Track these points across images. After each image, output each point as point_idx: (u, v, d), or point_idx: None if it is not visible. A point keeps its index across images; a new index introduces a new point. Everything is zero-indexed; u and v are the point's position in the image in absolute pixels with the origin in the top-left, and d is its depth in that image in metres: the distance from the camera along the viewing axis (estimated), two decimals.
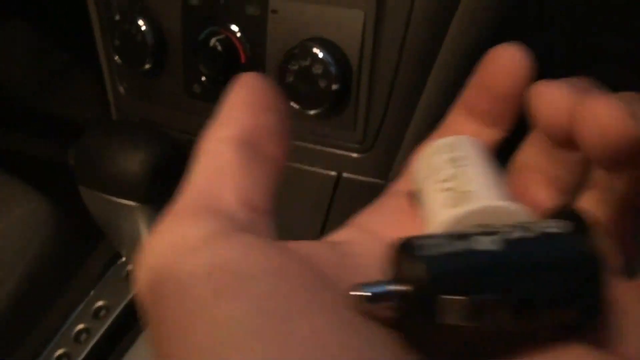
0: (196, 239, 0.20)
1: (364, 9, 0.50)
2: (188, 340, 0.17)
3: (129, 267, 0.61)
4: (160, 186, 0.52)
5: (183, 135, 0.62)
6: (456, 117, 0.29)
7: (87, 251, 0.70)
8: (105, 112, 0.68)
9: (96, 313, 0.61)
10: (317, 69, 0.50)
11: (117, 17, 0.60)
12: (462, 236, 0.19)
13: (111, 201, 0.52)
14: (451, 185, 0.23)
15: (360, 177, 0.56)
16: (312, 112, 0.53)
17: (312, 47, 0.51)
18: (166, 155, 0.51)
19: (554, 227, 0.20)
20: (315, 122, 0.55)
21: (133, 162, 0.50)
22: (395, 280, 0.20)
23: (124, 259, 0.62)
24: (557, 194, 0.24)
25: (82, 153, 0.53)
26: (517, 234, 0.19)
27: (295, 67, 0.51)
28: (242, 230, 0.20)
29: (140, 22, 0.59)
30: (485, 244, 0.19)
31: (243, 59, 0.55)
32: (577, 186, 0.23)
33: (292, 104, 0.53)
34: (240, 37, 0.55)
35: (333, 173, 0.57)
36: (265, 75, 0.25)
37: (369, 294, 0.19)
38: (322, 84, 0.51)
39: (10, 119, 1.03)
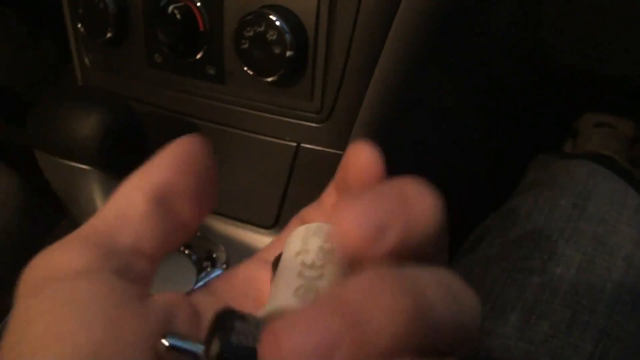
0: (66, 270, 0.21)
1: None
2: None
3: None
4: (114, 151, 0.52)
5: (145, 106, 0.62)
6: (329, 194, 0.31)
7: (51, 223, 0.70)
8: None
9: None
10: (272, 35, 0.50)
11: None
12: None
13: (65, 165, 0.52)
14: (311, 274, 0.23)
15: (318, 148, 0.56)
16: (268, 79, 0.53)
17: (267, 14, 0.50)
18: (120, 120, 0.51)
19: None
20: (273, 91, 0.55)
21: (86, 125, 0.50)
22: (201, 341, 0.21)
23: None
24: None
25: (37, 118, 0.53)
26: None
27: (251, 34, 0.51)
28: (117, 272, 0.22)
29: None
30: None
31: (201, 27, 0.55)
32: None
33: (248, 70, 0.53)
34: (199, 5, 0.55)
35: (293, 143, 0.57)
36: (202, 139, 0.26)
37: (167, 344, 0.21)
38: (277, 50, 0.51)
39: None
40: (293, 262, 0.23)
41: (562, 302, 0.45)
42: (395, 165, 0.64)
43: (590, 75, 0.92)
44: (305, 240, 0.25)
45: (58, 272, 0.21)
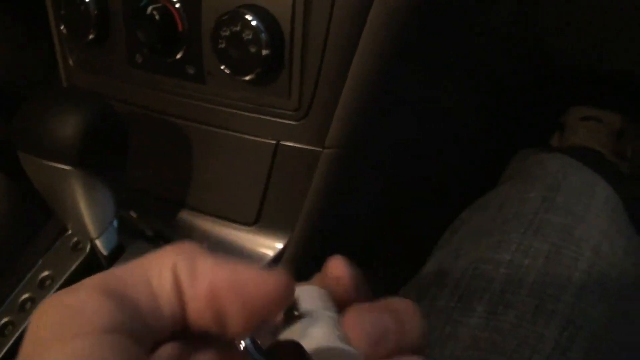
0: (84, 324, 0.20)
1: None
2: None
3: (75, 238, 0.62)
4: (96, 151, 0.53)
5: (128, 106, 0.63)
6: None
7: (38, 224, 0.71)
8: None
9: (42, 283, 0.61)
10: (248, 35, 0.51)
11: None
12: None
13: (47, 166, 0.53)
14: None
15: (297, 145, 0.57)
16: (245, 78, 0.53)
17: (243, 13, 0.51)
18: (101, 120, 0.52)
19: None
20: (251, 90, 0.55)
21: (66, 125, 0.51)
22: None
23: (70, 231, 0.62)
24: None
25: (19, 119, 0.53)
26: None
27: (227, 33, 0.52)
28: (133, 336, 0.20)
29: None
30: None
31: (180, 27, 0.56)
32: None
33: (225, 69, 0.53)
34: (178, 6, 0.55)
35: (272, 141, 0.57)
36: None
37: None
38: (253, 49, 0.51)
39: None
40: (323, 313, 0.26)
41: (528, 293, 0.46)
42: (373, 160, 0.65)
43: (583, 71, 0.92)
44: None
45: (75, 325, 0.19)
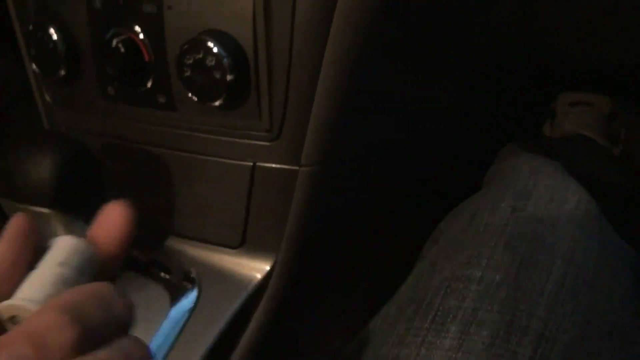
0: None
1: None
2: None
3: None
4: (71, 190, 0.53)
5: (103, 139, 0.63)
6: None
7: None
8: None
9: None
10: (210, 61, 0.51)
11: (30, 27, 0.61)
12: None
13: (27, 210, 0.53)
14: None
15: (274, 165, 0.56)
16: (214, 103, 0.53)
17: (205, 40, 0.51)
18: (71, 159, 0.52)
19: None
20: (222, 114, 0.55)
21: (38, 167, 0.51)
22: None
23: None
24: None
25: None
26: None
27: (191, 61, 0.52)
28: None
29: (52, 30, 0.59)
30: None
31: (146, 57, 0.56)
32: None
33: (192, 96, 0.53)
34: (142, 37, 0.55)
35: (248, 163, 0.57)
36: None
37: None
38: (217, 75, 0.51)
39: None
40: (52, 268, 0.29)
41: (500, 309, 0.45)
42: (355, 171, 0.65)
43: (581, 69, 0.91)
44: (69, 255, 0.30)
45: None
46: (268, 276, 0.59)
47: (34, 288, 0.28)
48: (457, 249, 0.51)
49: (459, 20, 0.66)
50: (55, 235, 0.55)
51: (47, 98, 0.66)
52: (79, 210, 0.55)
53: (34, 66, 0.62)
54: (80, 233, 0.57)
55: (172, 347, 0.57)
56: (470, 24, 0.68)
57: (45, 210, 0.53)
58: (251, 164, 0.57)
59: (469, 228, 0.52)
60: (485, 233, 0.51)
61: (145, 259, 0.66)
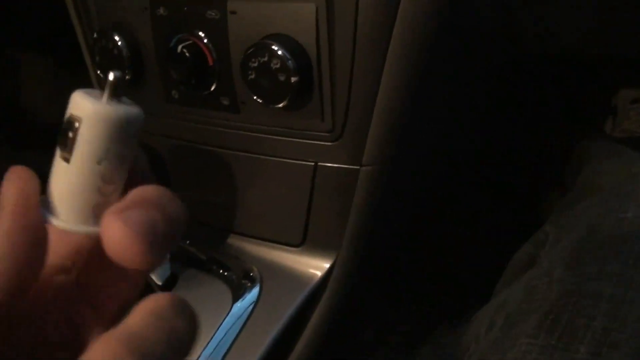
0: None
1: (315, 2, 0.51)
2: None
3: None
4: None
5: (166, 140, 0.65)
6: None
7: None
8: None
9: None
10: (275, 64, 0.52)
11: (95, 35, 0.63)
12: None
13: None
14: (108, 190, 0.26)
15: (335, 165, 0.58)
16: (278, 105, 0.54)
17: (269, 44, 0.52)
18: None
19: None
20: (285, 115, 0.56)
21: None
22: None
23: None
24: None
25: None
26: None
27: (255, 64, 0.53)
28: None
29: (116, 37, 0.61)
30: None
31: (210, 62, 0.57)
32: None
33: (257, 99, 0.54)
34: (206, 41, 0.57)
35: (310, 163, 0.58)
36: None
37: None
38: (282, 77, 0.52)
39: (25, 142, 1.08)
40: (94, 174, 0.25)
41: (633, 332, 0.43)
42: (413, 173, 0.65)
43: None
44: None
45: None
46: (328, 274, 0.61)
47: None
48: (577, 261, 0.48)
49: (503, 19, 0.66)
50: None
51: None
52: None
53: (98, 72, 0.64)
54: None
55: (234, 343, 0.58)
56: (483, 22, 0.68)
57: None
58: (313, 164, 0.58)
59: (589, 239, 0.49)
60: (610, 246, 0.48)
61: (205, 257, 0.67)
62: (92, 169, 0.24)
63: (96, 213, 0.25)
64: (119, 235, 0.22)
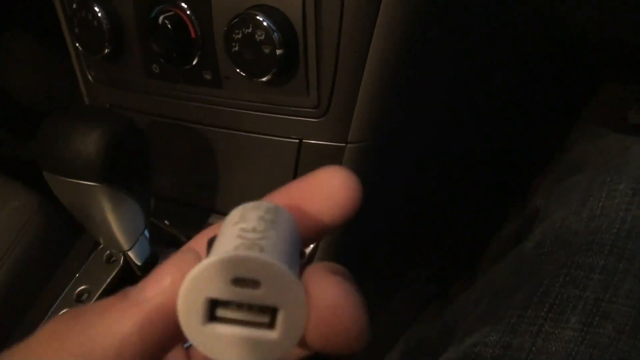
0: None
1: None
2: None
3: (107, 251, 0.62)
4: (117, 165, 0.53)
5: (148, 117, 0.63)
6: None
7: (72, 239, 0.72)
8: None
9: (79, 297, 0.62)
10: (260, 35, 0.50)
11: (74, 6, 0.61)
12: None
13: (72, 183, 0.53)
14: (252, 236, 0.21)
15: (320, 142, 0.56)
16: (262, 79, 0.53)
17: (254, 15, 0.51)
18: (120, 135, 0.52)
19: None
20: (269, 91, 0.55)
21: (86, 142, 0.51)
22: None
23: (102, 245, 0.62)
24: None
25: (41, 140, 0.54)
26: None
27: (239, 36, 0.51)
28: None
29: (96, 9, 0.59)
30: None
31: (193, 34, 0.55)
32: None
33: (240, 72, 0.53)
34: (189, 13, 0.55)
35: (295, 140, 0.57)
36: None
37: None
38: (267, 49, 0.51)
39: (9, 123, 1.06)
40: (231, 229, 0.21)
41: (625, 301, 0.42)
42: (402, 152, 0.64)
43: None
44: (244, 214, 0.23)
45: None
46: (312, 255, 0.59)
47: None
48: (570, 234, 0.48)
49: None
50: (102, 209, 0.56)
51: (90, 77, 0.67)
52: (125, 184, 0.55)
53: (77, 44, 0.62)
54: (127, 205, 0.57)
55: None
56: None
57: (92, 183, 0.53)
58: (297, 140, 0.57)
59: (582, 211, 0.49)
60: (603, 217, 0.47)
61: (185, 239, 0.66)
62: None
63: None
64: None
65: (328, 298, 0.19)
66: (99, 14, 0.59)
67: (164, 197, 0.65)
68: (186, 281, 0.19)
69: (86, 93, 0.68)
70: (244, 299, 0.19)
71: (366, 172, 0.57)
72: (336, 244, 0.59)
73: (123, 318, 0.19)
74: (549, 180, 0.59)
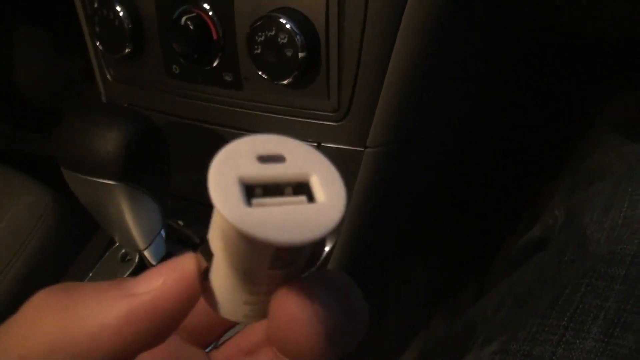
0: None
1: None
2: None
3: (123, 250, 0.62)
4: (137, 164, 0.53)
5: (167, 117, 0.63)
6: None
7: (87, 236, 0.72)
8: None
9: None
10: (283, 38, 0.50)
11: (96, 5, 0.61)
12: None
13: (90, 181, 0.53)
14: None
15: (339, 146, 0.56)
16: (283, 82, 0.53)
17: (277, 17, 0.51)
18: (140, 134, 0.52)
19: None
20: (289, 93, 0.55)
21: (106, 140, 0.51)
22: None
23: (117, 243, 0.63)
24: None
25: (60, 137, 0.54)
26: None
27: (262, 38, 0.51)
28: None
29: (118, 8, 0.59)
30: None
31: (215, 35, 0.55)
32: None
33: (262, 74, 0.53)
34: (211, 14, 0.55)
35: (313, 143, 0.57)
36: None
37: None
38: (289, 52, 0.51)
39: (23, 119, 1.06)
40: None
41: None
42: (422, 157, 0.64)
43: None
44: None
45: None
46: (328, 256, 0.59)
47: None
48: (591, 242, 0.48)
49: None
50: (120, 207, 0.56)
51: (108, 75, 0.67)
52: (143, 183, 0.55)
53: (97, 43, 0.63)
54: (144, 204, 0.57)
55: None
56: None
57: (110, 182, 0.53)
58: (316, 144, 0.57)
59: (604, 220, 0.49)
60: (625, 227, 0.47)
61: (198, 239, 0.66)
62: None
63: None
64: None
65: (285, 312, 0.20)
66: (121, 14, 0.59)
67: (180, 197, 0.65)
68: (214, 161, 0.19)
69: (104, 92, 0.69)
70: (274, 175, 0.19)
71: (384, 176, 0.57)
72: (352, 247, 0.59)
73: (108, 306, 0.20)
74: (566, 187, 0.59)
